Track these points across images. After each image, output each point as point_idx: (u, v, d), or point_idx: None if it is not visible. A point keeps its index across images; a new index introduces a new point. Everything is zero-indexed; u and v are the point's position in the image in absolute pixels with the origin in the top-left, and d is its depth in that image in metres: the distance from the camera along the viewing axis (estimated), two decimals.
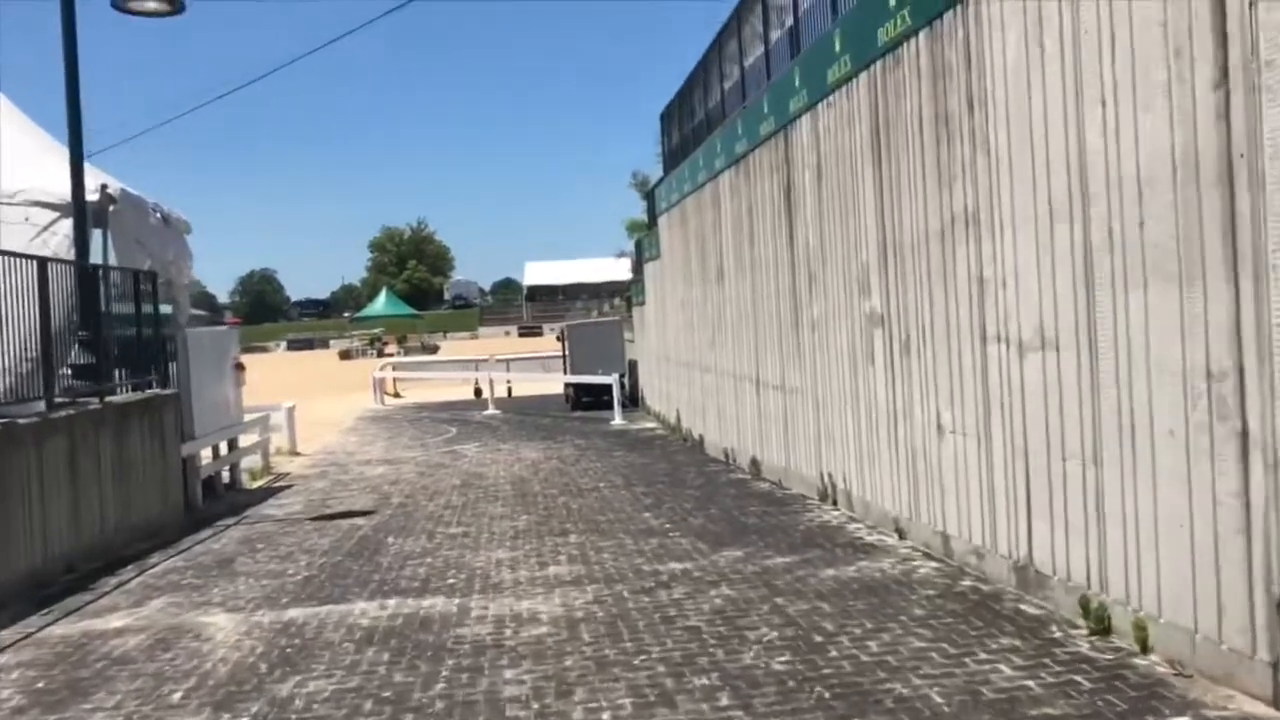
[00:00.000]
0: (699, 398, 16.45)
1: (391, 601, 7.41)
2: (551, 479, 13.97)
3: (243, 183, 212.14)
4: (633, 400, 23.76)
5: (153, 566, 9.30)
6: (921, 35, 7.48)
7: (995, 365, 6.64)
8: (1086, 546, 5.73)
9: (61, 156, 12.00)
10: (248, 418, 17.17)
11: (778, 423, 11.93)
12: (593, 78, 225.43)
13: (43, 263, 9.20)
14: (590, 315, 36.58)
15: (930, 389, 7.66)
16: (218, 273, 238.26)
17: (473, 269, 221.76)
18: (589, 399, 24.51)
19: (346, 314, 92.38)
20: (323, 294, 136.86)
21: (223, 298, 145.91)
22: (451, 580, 8.02)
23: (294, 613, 7.25)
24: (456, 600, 7.35)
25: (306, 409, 29.19)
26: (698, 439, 16.55)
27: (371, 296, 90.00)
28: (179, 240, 14.43)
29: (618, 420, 21.64)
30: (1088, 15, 5.47)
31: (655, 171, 25.60)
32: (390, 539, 10.05)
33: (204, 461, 14.06)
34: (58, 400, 9.90)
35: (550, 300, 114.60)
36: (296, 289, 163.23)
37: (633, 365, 24.74)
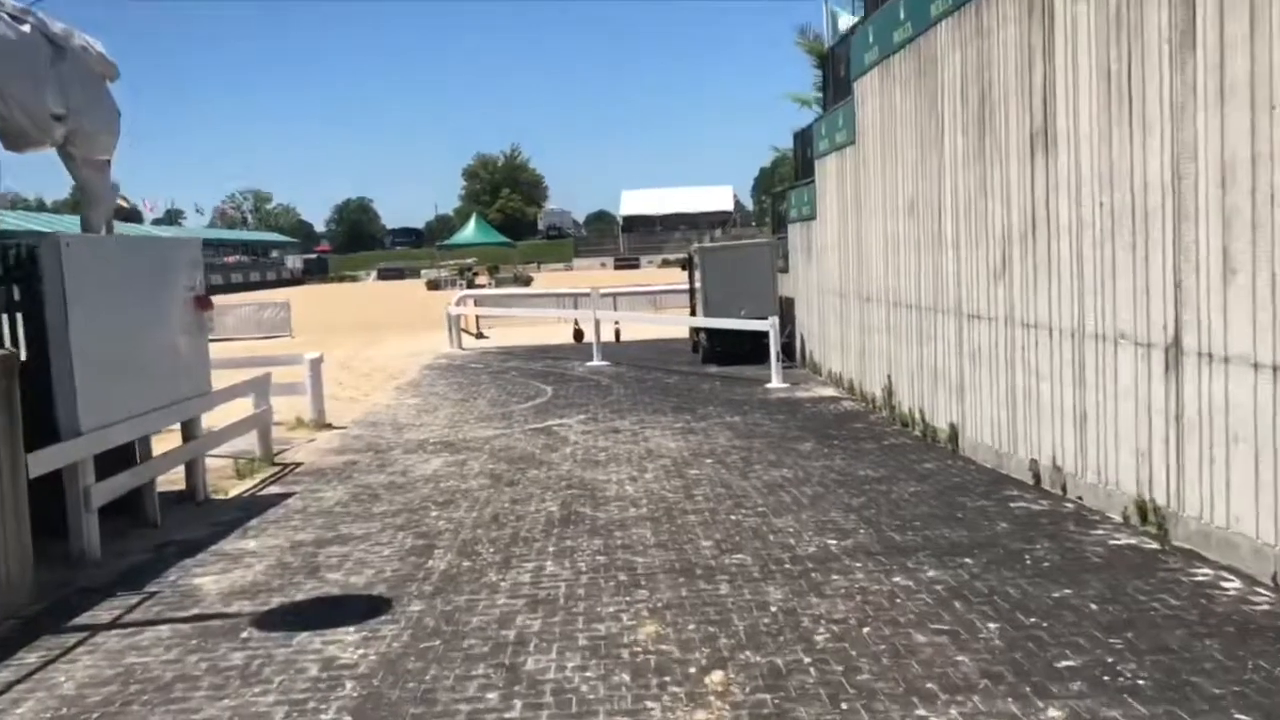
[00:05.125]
0: (950, 364, 9.91)
1: None
2: (721, 511, 7.69)
3: (340, 109, 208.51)
4: (786, 352, 17.16)
5: None
6: None
7: None
8: None
9: None
10: (245, 376, 11.33)
11: (1270, 447, 5.34)
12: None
13: None
14: (709, 240, 29.76)
15: None
16: (314, 201, 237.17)
17: (567, 199, 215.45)
18: (722, 348, 18.08)
19: (439, 244, 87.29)
20: (418, 223, 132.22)
21: (319, 226, 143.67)
22: None
23: None
24: None
25: (367, 352, 23.49)
26: (944, 430, 10.05)
27: (464, 225, 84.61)
28: (89, 85, 8.37)
29: (776, 382, 15.21)
30: None
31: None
32: None
33: (132, 470, 8.15)
34: None
35: (647, 231, 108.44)
36: (392, 218, 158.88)
37: (786, 304, 18.17)
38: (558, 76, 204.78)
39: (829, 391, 14.41)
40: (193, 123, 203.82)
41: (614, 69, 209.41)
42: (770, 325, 15.72)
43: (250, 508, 8.83)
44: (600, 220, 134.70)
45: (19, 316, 7.24)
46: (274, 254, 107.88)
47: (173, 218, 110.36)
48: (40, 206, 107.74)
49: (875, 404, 12.55)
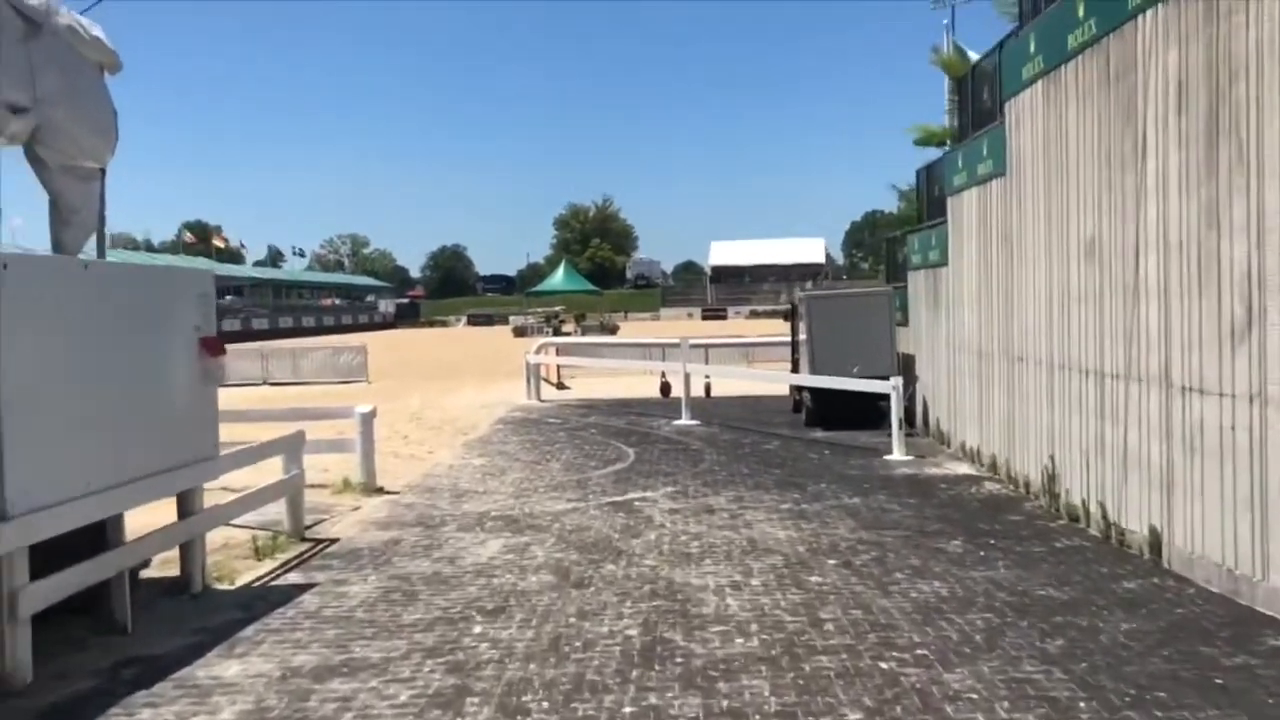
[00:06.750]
0: (1151, 450, 7.59)
1: None
2: (864, 651, 5.55)
3: (439, 159, 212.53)
4: (906, 418, 14.82)
5: None
6: None
7: None
8: None
9: None
10: (286, 430, 9.61)
11: None
12: (785, 57, 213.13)
13: None
14: (805, 288, 27.34)
15: None
16: (411, 247, 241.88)
17: (656, 249, 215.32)
18: (829, 410, 15.83)
19: (528, 290, 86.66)
20: (510, 271, 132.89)
21: (414, 271, 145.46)
22: None
23: None
24: None
25: (442, 401, 21.87)
26: (1140, 535, 7.72)
27: (553, 273, 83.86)
28: (73, 73, 6.78)
29: (898, 454, 12.97)
30: None
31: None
32: None
33: (89, 563, 6.36)
34: None
35: (735, 282, 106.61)
36: (485, 265, 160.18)
37: (906, 362, 15.90)
38: (651, 129, 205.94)
39: (964, 469, 12.11)
40: (299, 165, 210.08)
41: (704, 121, 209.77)
42: (892, 387, 13.50)
43: (254, 605, 7.00)
44: (688, 270, 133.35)
45: None
46: (369, 298, 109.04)
47: (273, 259, 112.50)
48: (149, 247, 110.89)
49: (1030, 489, 10.23)
